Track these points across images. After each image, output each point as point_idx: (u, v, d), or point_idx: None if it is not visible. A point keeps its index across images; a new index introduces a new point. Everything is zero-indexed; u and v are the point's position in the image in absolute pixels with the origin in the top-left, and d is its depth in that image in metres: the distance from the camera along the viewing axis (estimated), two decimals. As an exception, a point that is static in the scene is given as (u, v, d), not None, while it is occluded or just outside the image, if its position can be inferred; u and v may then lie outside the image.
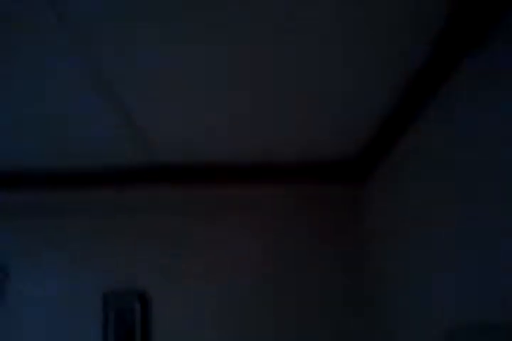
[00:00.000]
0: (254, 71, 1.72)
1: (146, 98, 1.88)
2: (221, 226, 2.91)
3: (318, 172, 2.78)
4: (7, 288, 2.80)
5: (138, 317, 2.77)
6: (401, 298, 2.34)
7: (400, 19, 1.46)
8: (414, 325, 2.16)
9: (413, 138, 2.13)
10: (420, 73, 1.78)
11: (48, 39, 1.44)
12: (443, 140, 1.82)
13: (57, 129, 2.16)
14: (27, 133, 2.19)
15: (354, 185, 2.87)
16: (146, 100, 1.90)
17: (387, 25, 1.48)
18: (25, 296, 2.83)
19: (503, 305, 1.40)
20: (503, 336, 1.36)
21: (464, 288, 1.68)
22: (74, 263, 2.87)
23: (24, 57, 1.55)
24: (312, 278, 2.86)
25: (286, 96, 1.93)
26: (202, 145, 2.44)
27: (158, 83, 1.77)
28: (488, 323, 1.48)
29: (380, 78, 1.82)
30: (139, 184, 2.77)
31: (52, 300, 2.83)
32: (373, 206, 2.75)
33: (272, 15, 1.41)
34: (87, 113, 1.98)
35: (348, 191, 2.90)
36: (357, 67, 1.73)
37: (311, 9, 1.38)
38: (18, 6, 1.29)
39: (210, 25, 1.44)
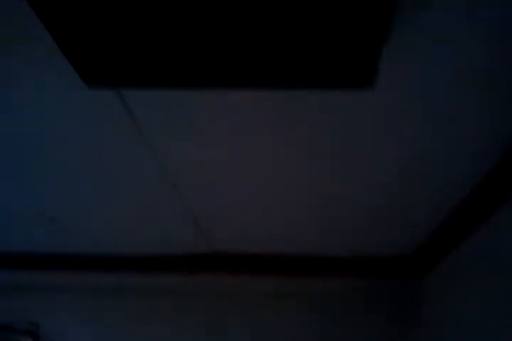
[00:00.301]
0: (315, 169, 1.73)
1: (204, 189, 1.92)
2: (271, 318, 2.85)
3: (374, 266, 2.69)
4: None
5: None
6: None
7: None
8: None
9: (481, 234, 1.98)
10: (495, 171, 1.70)
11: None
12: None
13: (121, 220, 2.23)
14: (94, 221, 2.27)
15: (411, 280, 2.74)
16: (204, 191, 1.95)
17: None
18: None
19: None
20: None
21: None
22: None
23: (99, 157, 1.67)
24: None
25: (347, 189, 1.90)
26: (257, 236, 2.46)
27: (218, 177, 1.80)
28: None
29: (449, 173, 1.77)
30: (191, 270, 2.82)
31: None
32: (432, 302, 2.57)
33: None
34: (150, 205, 2.06)
35: (404, 286, 2.77)
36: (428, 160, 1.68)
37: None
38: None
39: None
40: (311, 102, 1.33)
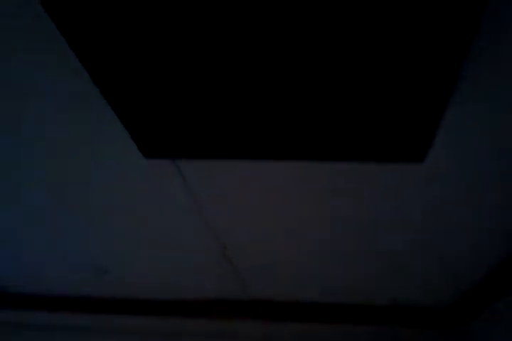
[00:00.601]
0: (354, 226, 1.76)
1: (239, 233, 1.95)
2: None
3: (413, 315, 2.66)
4: None
5: None
6: None
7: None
8: None
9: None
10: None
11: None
12: None
13: (160, 267, 2.26)
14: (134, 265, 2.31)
15: (453, 329, 2.70)
16: (240, 236, 1.97)
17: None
18: None
19: None
20: None
21: None
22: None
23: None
24: None
25: (388, 239, 1.90)
26: (292, 284, 2.47)
27: (255, 229, 1.83)
28: None
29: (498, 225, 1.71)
30: (225, 316, 2.82)
31: None
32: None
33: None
34: (185, 248, 2.08)
35: (446, 336, 2.72)
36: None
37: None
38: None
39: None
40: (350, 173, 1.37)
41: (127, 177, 1.44)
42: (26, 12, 0.96)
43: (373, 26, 0.88)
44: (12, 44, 1.04)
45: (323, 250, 2.02)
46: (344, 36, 0.91)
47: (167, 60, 0.96)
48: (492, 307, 2.36)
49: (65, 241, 2.02)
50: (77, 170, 1.43)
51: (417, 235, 1.79)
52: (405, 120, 1.12)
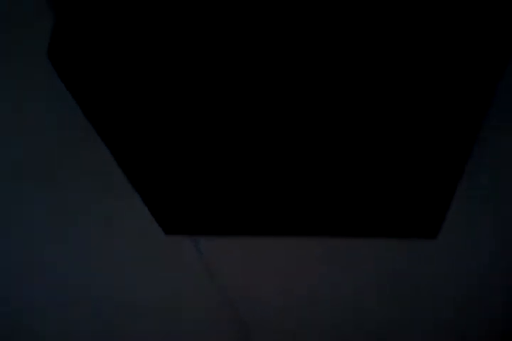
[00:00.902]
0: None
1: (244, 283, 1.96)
2: None
3: None
4: None
5: None
6: None
7: None
8: None
9: None
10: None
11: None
12: None
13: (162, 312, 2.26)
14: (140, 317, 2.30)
15: None
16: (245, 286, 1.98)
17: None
18: None
19: None
20: None
21: None
22: None
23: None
24: None
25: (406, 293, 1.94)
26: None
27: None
28: None
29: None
30: None
31: None
32: None
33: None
34: (192, 297, 2.09)
35: None
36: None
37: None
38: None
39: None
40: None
41: (143, 252, 1.46)
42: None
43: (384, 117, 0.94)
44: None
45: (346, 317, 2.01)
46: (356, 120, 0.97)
47: (189, 158, 1.02)
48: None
49: (77, 300, 2.02)
50: (88, 242, 1.46)
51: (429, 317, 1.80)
52: (418, 196, 1.17)
